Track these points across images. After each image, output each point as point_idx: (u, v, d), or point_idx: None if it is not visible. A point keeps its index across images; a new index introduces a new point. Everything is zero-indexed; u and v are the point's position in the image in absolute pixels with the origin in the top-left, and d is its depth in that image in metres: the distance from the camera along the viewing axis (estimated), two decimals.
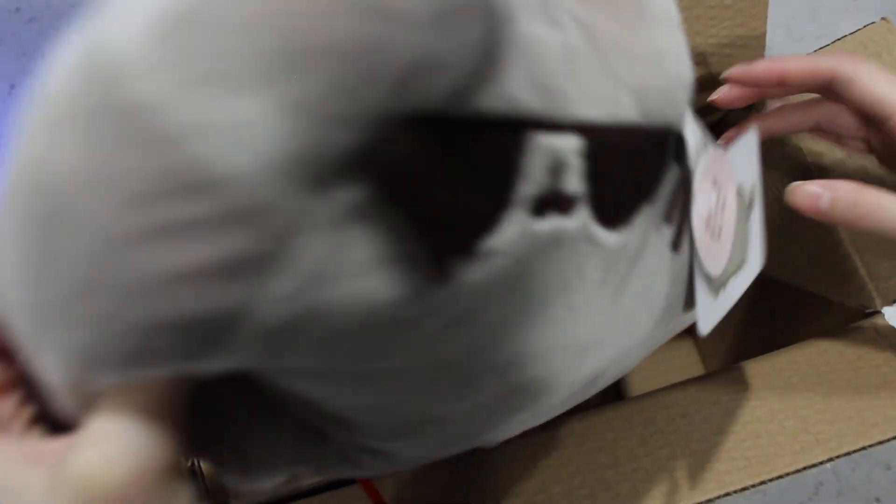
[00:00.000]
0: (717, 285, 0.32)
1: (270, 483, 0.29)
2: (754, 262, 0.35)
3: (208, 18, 0.15)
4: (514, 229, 0.20)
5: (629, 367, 0.35)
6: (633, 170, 0.24)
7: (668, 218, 0.27)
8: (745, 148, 0.34)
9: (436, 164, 0.18)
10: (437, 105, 0.17)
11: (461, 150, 0.18)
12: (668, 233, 0.28)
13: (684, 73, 0.25)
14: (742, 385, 0.47)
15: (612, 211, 0.24)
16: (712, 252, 0.31)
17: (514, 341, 0.24)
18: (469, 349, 0.23)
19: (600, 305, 0.26)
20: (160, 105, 0.15)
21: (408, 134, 0.17)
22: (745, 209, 0.33)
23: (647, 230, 0.26)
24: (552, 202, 0.21)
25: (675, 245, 0.29)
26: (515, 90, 0.19)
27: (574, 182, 0.22)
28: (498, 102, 0.18)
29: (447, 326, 0.21)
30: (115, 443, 0.19)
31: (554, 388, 0.28)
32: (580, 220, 0.22)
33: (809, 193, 0.35)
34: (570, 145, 0.21)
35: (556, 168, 0.21)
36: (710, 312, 0.32)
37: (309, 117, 0.15)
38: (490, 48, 0.17)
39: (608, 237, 0.24)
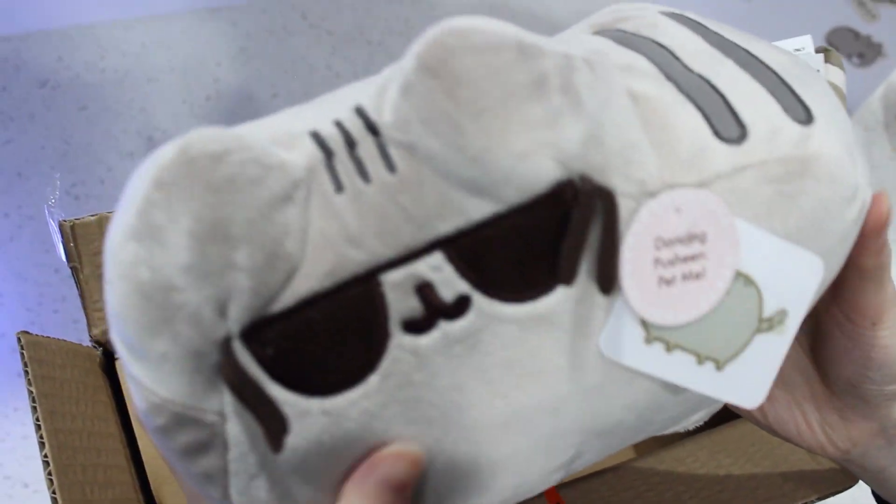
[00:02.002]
0: (653, 335, 0.30)
1: None
2: (737, 388, 0.32)
3: None
4: (400, 353, 0.26)
5: (613, 433, 0.34)
6: (517, 249, 0.26)
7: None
8: (794, 261, 0.31)
9: (277, 357, 0.25)
10: (250, 315, 0.24)
11: (316, 324, 0.25)
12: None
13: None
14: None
15: (516, 287, 0.27)
16: (649, 291, 0.29)
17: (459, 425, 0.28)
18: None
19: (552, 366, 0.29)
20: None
21: (242, 344, 0.24)
22: (754, 317, 0.31)
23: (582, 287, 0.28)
24: (433, 315, 0.26)
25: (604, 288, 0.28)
26: (321, 270, 0.25)
27: (452, 288, 0.26)
28: (311, 284, 0.24)
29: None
30: None
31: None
32: (480, 311, 0.26)
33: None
34: (429, 262, 0.25)
35: (423, 287, 0.25)
36: (626, 340, 0.30)
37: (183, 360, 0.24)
38: (268, 262, 0.24)
39: (521, 309, 0.27)
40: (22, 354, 0.46)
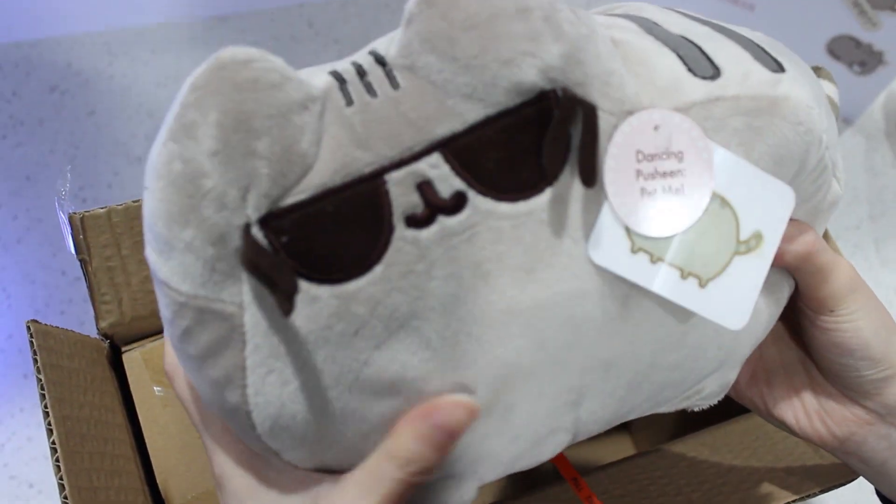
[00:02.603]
0: (638, 245, 0.32)
1: None
2: (721, 307, 0.34)
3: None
4: (402, 244, 0.29)
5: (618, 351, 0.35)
6: (506, 149, 0.29)
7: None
8: (766, 188, 0.33)
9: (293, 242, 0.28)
10: (268, 203, 0.28)
11: (328, 215, 0.28)
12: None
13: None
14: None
15: (508, 186, 0.29)
16: (632, 199, 0.31)
17: (465, 310, 0.30)
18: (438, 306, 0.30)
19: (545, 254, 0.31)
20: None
21: (259, 231, 0.28)
22: (732, 238, 0.33)
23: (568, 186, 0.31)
24: (433, 211, 0.29)
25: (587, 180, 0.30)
26: (336, 166, 0.28)
27: (449, 185, 0.29)
28: (323, 180, 0.28)
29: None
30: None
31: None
32: (476, 207, 0.29)
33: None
34: (429, 161, 0.29)
35: (423, 184, 0.29)
36: (612, 246, 0.32)
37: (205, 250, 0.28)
38: (285, 154, 0.27)
39: (512, 207, 0.30)
40: (31, 342, 0.47)
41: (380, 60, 0.30)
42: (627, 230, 0.32)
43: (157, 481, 0.53)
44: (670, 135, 0.31)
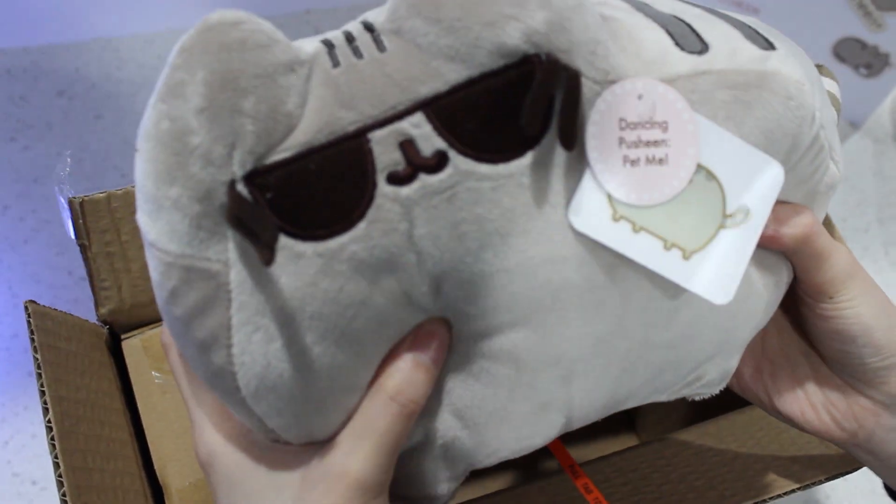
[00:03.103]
0: (619, 213, 0.32)
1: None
2: (705, 280, 0.33)
3: None
4: (384, 201, 0.29)
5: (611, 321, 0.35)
6: (487, 110, 0.29)
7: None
8: (754, 162, 0.33)
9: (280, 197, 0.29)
10: (253, 160, 0.28)
11: (313, 172, 0.28)
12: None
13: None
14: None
15: (489, 147, 0.30)
16: (614, 166, 0.31)
17: (471, 265, 0.31)
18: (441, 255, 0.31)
19: (535, 218, 0.32)
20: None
21: (244, 187, 0.28)
22: (718, 211, 0.33)
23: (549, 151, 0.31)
24: (415, 169, 0.29)
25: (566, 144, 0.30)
26: (321, 123, 0.29)
27: (430, 144, 0.29)
28: (308, 138, 0.28)
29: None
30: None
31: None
32: (456, 167, 0.29)
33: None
34: (412, 121, 0.29)
35: (405, 142, 0.29)
36: (593, 213, 0.32)
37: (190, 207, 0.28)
38: (270, 113, 0.28)
39: (492, 169, 0.30)
40: (28, 322, 0.47)
41: (368, 27, 0.30)
42: (609, 197, 0.31)
43: (155, 467, 0.53)
44: (654, 104, 0.31)
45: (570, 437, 0.50)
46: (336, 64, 0.29)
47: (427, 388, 0.32)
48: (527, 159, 0.30)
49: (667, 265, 0.33)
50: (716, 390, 0.41)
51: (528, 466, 0.65)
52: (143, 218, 0.30)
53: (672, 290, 0.34)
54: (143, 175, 0.29)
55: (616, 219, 0.32)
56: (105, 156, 0.89)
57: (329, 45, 0.30)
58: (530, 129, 0.29)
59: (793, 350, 0.42)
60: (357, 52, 0.30)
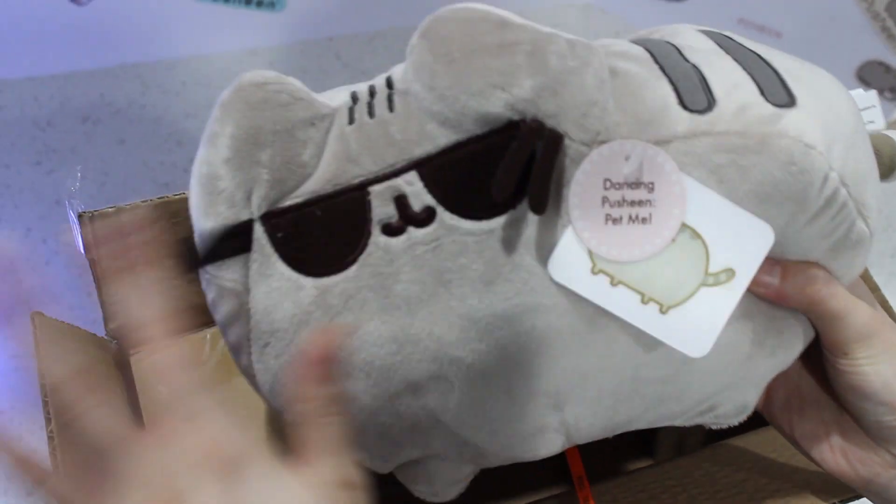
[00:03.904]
0: (598, 267, 0.33)
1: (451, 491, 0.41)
2: (681, 334, 0.34)
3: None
4: (375, 249, 0.33)
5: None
6: (471, 171, 0.32)
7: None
8: (741, 225, 0.33)
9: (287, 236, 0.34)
10: (268, 204, 0.33)
11: (317, 219, 0.33)
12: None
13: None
14: None
15: (472, 205, 0.32)
16: (596, 224, 0.32)
17: (437, 313, 0.34)
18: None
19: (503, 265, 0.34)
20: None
21: (261, 225, 0.33)
22: (700, 269, 0.34)
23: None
24: (405, 222, 0.33)
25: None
26: (327, 176, 0.33)
27: (420, 200, 0.32)
28: (317, 187, 0.33)
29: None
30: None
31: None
32: (442, 222, 0.33)
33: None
34: (406, 178, 0.32)
35: (399, 197, 0.32)
36: (572, 266, 0.33)
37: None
38: (285, 164, 0.33)
39: (475, 225, 0.32)
40: (34, 334, 0.47)
41: (389, 84, 0.34)
42: (590, 252, 0.33)
43: None
44: (642, 165, 0.32)
45: (588, 449, 0.50)
46: (351, 121, 0.34)
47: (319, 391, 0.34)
48: (508, 216, 0.33)
49: (642, 318, 0.33)
50: (734, 421, 0.41)
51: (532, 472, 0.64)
52: (198, 240, 0.36)
53: (655, 338, 0.35)
54: (192, 207, 0.35)
55: (595, 272, 0.33)
56: (125, 179, 0.90)
57: (354, 98, 0.35)
58: (498, 195, 0.31)
59: (823, 391, 0.42)
60: (371, 110, 0.33)
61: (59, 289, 0.84)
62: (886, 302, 0.53)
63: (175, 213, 0.53)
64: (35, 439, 0.78)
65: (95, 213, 0.52)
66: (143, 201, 0.53)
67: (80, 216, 0.52)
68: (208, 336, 0.57)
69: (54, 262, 0.85)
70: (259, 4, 0.96)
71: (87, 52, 0.95)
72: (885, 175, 0.39)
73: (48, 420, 0.44)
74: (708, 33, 0.37)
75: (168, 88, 0.97)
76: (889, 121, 0.44)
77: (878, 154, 0.38)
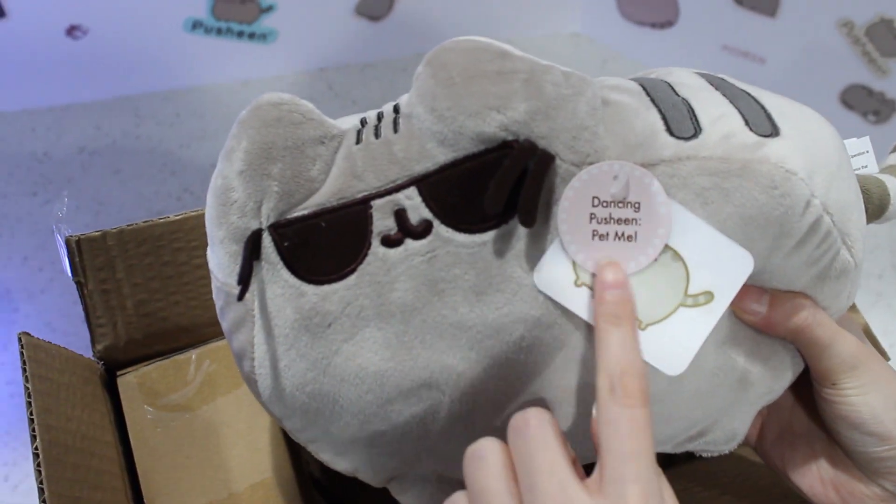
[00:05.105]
0: (581, 279, 0.34)
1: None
2: (658, 351, 0.35)
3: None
4: (374, 259, 0.35)
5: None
6: (466, 186, 0.34)
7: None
8: (722, 250, 0.34)
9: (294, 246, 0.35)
10: (276, 215, 0.35)
11: (321, 229, 0.35)
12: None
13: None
14: None
15: (466, 219, 0.34)
16: (582, 238, 0.34)
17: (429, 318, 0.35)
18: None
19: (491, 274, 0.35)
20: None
21: (268, 235, 0.35)
22: (680, 290, 0.35)
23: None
24: (404, 234, 0.34)
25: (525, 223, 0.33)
26: (335, 189, 0.35)
27: (418, 214, 0.34)
28: (323, 200, 0.35)
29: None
30: None
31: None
32: (438, 235, 0.34)
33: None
34: (406, 193, 0.34)
35: (399, 211, 0.34)
36: (555, 276, 0.34)
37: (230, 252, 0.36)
38: (294, 178, 0.35)
39: (469, 238, 0.34)
40: (21, 353, 0.48)
41: (396, 109, 0.36)
42: (574, 265, 0.34)
43: (145, 500, 0.53)
44: (629, 185, 0.33)
45: None
46: (358, 141, 0.36)
47: None
48: (500, 230, 0.34)
49: None
50: (724, 449, 0.42)
51: None
52: (208, 251, 0.38)
53: None
54: (207, 218, 0.37)
55: (578, 284, 0.34)
56: (120, 208, 0.92)
57: (363, 122, 0.37)
58: (490, 209, 0.32)
59: (815, 424, 0.42)
60: (377, 132, 0.36)
61: (53, 316, 0.85)
62: (868, 326, 0.54)
63: (159, 236, 0.54)
64: (29, 464, 0.78)
65: (82, 236, 0.53)
66: (128, 225, 0.54)
67: (67, 240, 0.53)
68: (194, 357, 0.57)
69: (49, 290, 0.86)
70: (251, 37, 0.98)
71: (82, 84, 0.97)
72: (874, 216, 0.39)
73: (33, 438, 0.45)
74: (702, 74, 0.39)
75: (162, 120, 0.98)
76: (882, 166, 0.44)
77: (867, 194, 0.38)
